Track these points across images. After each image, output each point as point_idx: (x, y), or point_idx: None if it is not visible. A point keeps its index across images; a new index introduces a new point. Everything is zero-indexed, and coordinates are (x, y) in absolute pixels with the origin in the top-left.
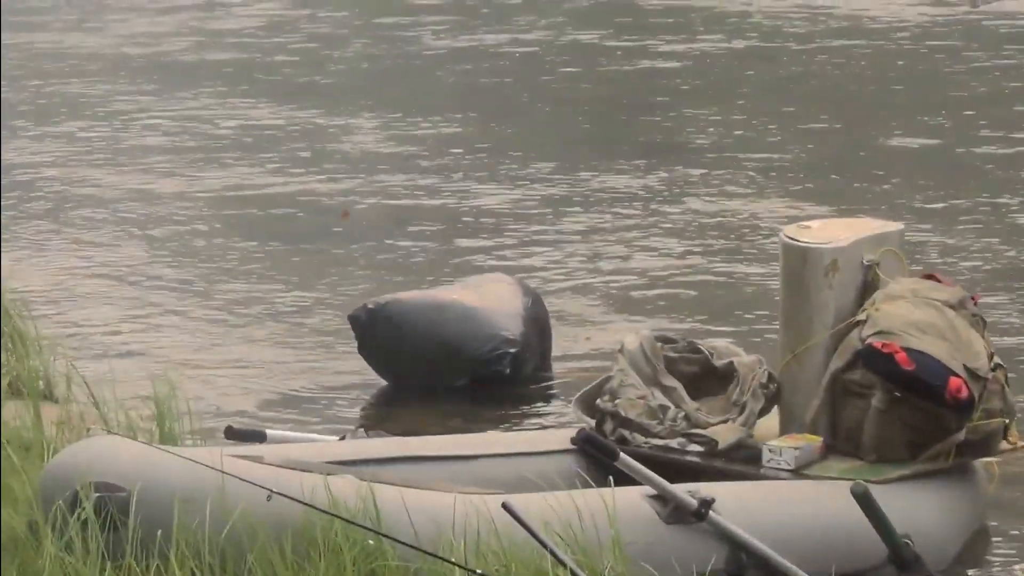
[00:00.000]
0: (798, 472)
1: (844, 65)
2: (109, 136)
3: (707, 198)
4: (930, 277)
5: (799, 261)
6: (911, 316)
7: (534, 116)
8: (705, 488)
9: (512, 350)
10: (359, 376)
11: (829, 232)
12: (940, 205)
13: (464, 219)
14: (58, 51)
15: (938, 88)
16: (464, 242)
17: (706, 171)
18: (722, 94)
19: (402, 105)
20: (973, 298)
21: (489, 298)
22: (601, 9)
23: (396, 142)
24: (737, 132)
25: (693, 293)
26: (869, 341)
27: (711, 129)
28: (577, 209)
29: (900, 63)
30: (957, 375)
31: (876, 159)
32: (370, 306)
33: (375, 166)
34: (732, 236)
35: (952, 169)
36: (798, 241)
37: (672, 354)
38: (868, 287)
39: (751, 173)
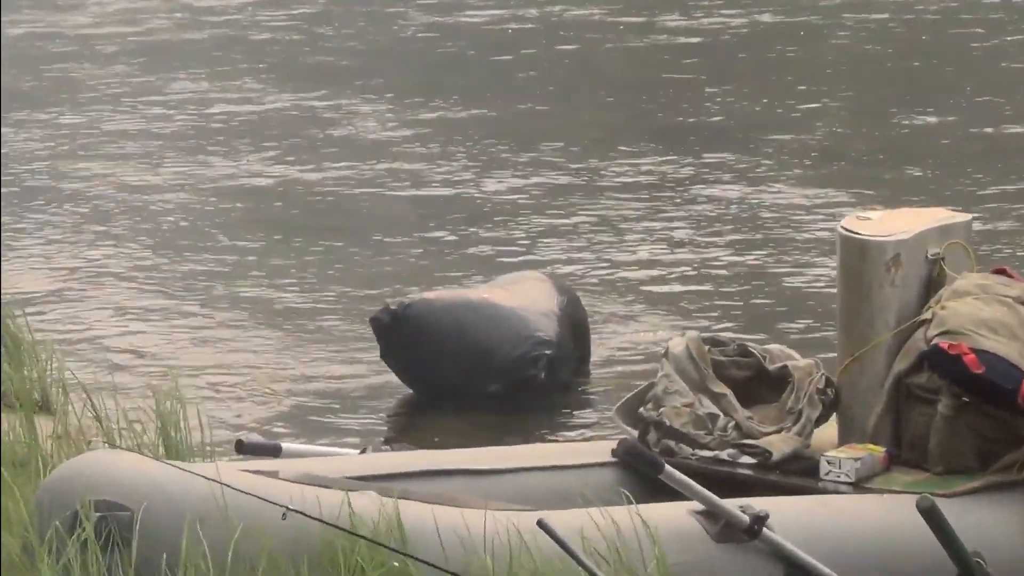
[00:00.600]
0: (859, 485)
1: (873, 41)
2: (99, 123)
3: (737, 185)
4: (1000, 272)
5: (858, 255)
6: (980, 314)
7: (539, 98)
8: (758, 503)
9: (547, 353)
10: (381, 384)
11: (890, 224)
12: (988, 192)
13: (482, 210)
14: (35, 33)
15: (976, 66)
16: (484, 234)
17: (732, 156)
18: (739, 73)
19: (400, 87)
20: None
21: (522, 297)
22: None
23: (400, 128)
24: (760, 114)
25: (734, 290)
26: (935, 342)
27: (732, 110)
28: (596, 198)
29: (934, 40)
30: None
31: (915, 141)
32: (393, 307)
33: (382, 154)
34: (769, 226)
35: (996, 154)
36: (857, 234)
37: (721, 357)
38: (933, 283)
39: (781, 157)
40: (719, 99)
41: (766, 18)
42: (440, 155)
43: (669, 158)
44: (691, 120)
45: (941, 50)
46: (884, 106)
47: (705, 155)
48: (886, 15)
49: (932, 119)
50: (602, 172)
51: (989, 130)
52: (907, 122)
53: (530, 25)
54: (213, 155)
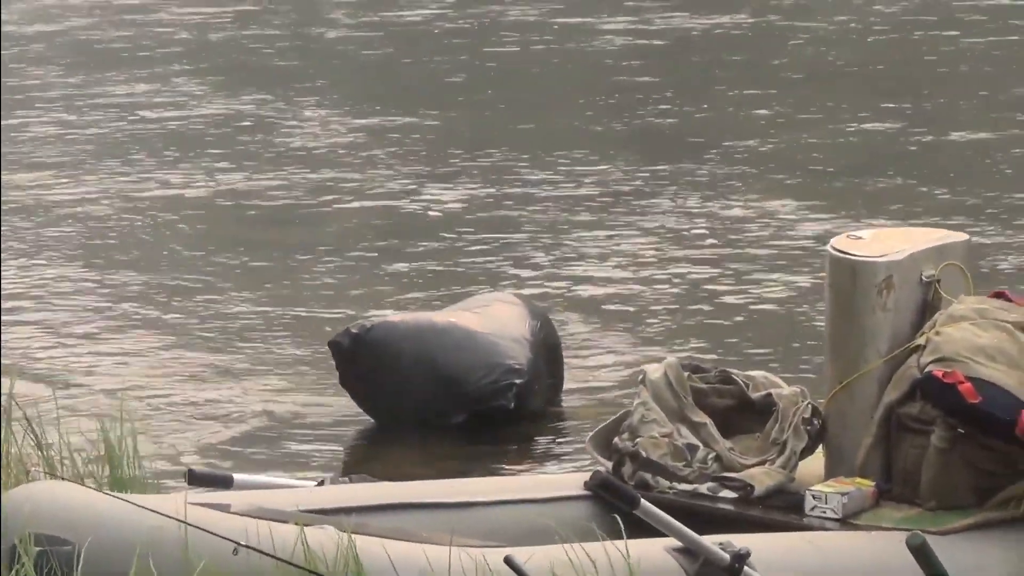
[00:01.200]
0: (846, 521)
1: (829, 45)
2: (31, 130)
3: (695, 196)
4: (999, 295)
5: (848, 277)
6: (977, 340)
7: (479, 104)
8: (739, 540)
9: (517, 381)
10: (340, 411)
11: (882, 244)
12: (970, 203)
13: (435, 223)
14: None
15: (937, 69)
16: (440, 249)
17: (687, 165)
18: (688, 78)
19: (336, 91)
20: None
21: (492, 321)
22: None
23: (341, 134)
24: (713, 120)
25: (707, 310)
26: (929, 369)
27: (684, 117)
28: (549, 211)
29: (893, 43)
30: None
31: (879, 148)
32: (353, 330)
33: (325, 162)
34: (735, 239)
35: (969, 161)
36: (847, 254)
37: (702, 385)
38: (928, 307)
39: (738, 167)
40: (669, 105)
41: (716, 21)
42: (385, 163)
43: (621, 167)
44: (641, 126)
45: (901, 53)
46: (841, 112)
47: (659, 164)
48: (845, 17)
49: (887, 125)
50: (552, 182)
51: (955, 136)
52: (867, 128)
53: (463, 24)
54: (145, 163)
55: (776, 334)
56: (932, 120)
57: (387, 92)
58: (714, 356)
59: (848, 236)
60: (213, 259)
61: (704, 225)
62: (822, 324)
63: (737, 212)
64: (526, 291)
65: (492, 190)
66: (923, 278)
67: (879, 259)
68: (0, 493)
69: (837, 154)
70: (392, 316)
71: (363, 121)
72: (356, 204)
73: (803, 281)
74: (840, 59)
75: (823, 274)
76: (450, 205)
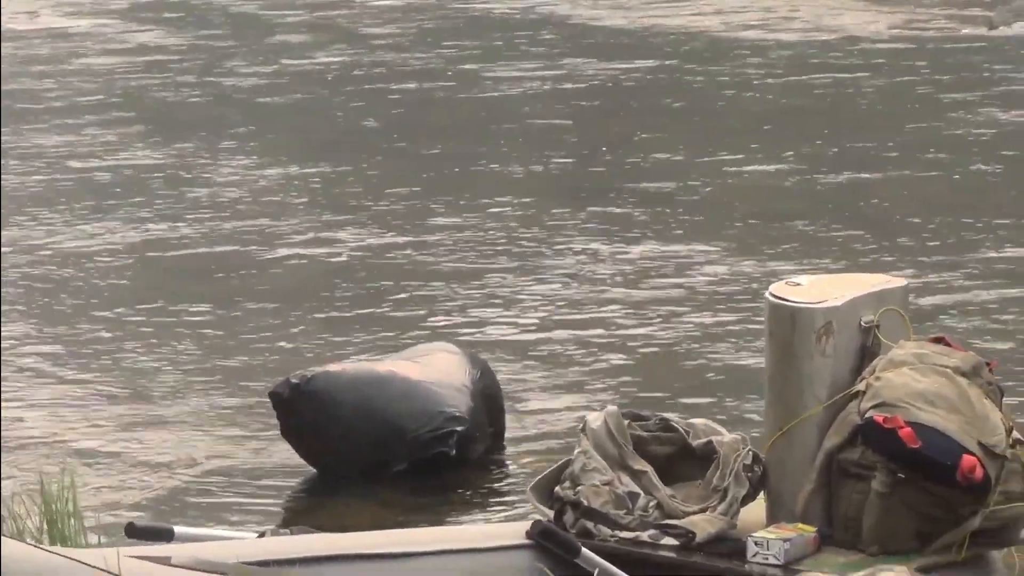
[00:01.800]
0: (788, 568)
1: (732, 87)
2: None
3: (617, 240)
4: (939, 340)
5: (787, 324)
6: (917, 385)
7: (396, 150)
8: None
9: (459, 429)
10: (281, 462)
11: (821, 290)
12: (900, 246)
13: (362, 272)
14: None
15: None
16: (368, 298)
17: (605, 209)
18: (595, 123)
19: (253, 140)
20: (989, 364)
21: (431, 370)
22: (439, 29)
23: (263, 183)
24: (630, 164)
25: (646, 358)
26: (869, 415)
27: (602, 161)
28: (475, 260)
29: (798, 87)
30: (971, 453)
31: (814, 194)
32: (294, 380)
33: (249, 211)
34: (664, 284)
35: (926, 206)
36: (786, 301)
37: (642, 433)
38: (867, 353)
39: (657, 210)
40: (579, 149)
41: (622, 66)
42: (301, 211)
43: (535, 210)
44: (554, 170)
45: (802, 96)
46: (747, 154)
47: (571, 207)
48: (750, 61)
49: (790, 166)
50: (468, 227)
51: (859, 176)
52: (770, 170)
53: (362, 72)
54: (65, 214)
55: (694, 376)
56: (834, 161)
57: (298, 139)
58: (626, 397)
59: (787, 282)
60: (138, 310)
61: (618, 267)
62: (743, 364)
63: (649, 253)
64: (448, 337)
65: (409, 236)
66: (862, 324)
67: (818, 305)
68: None
69: (744, 196)
70: (332, 366)
71: (278, 169)
72: (278, 252)
73: (716, 321)
74: (744, 102)
75: (757, 318)
76: (367, 252)
